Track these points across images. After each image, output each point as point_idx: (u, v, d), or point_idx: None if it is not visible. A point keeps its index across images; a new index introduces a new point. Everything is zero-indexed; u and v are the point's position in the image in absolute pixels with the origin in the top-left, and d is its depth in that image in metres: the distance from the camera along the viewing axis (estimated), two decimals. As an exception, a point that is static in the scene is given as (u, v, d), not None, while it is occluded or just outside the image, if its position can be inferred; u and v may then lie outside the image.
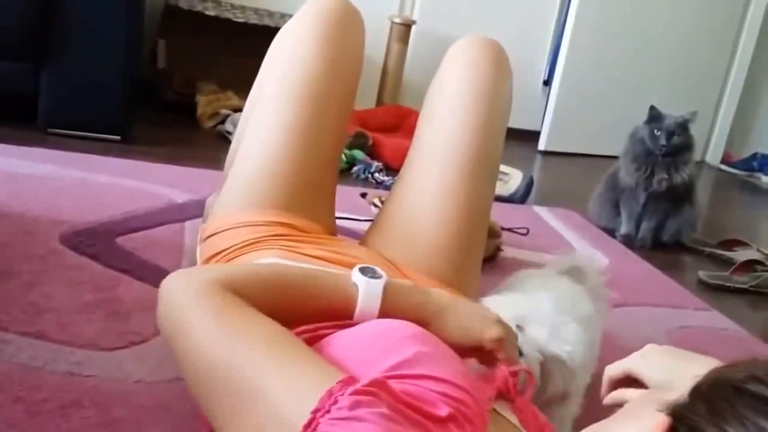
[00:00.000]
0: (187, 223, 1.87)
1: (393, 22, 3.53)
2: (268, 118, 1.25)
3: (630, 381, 0.84)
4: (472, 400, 0.67)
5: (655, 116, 2.51)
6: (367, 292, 0.82)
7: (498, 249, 2.07)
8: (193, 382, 0.74)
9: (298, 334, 0.80)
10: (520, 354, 0.93)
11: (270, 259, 1.07)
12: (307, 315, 0.82)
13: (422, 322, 0.83)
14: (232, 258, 1.11)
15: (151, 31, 3.17)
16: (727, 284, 2.24)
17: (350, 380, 0.64)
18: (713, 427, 0.53)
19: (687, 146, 2.52)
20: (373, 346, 0.74)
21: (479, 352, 0.86)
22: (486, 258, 2.03)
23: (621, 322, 1.80)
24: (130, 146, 2.51)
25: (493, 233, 2.04)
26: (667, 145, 2.47)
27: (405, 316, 0.83)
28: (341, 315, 0.82)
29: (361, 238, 1.39)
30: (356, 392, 0.62)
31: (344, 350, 0.76)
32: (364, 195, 2.32)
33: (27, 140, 2.31)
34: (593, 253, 2.32)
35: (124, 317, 1.36)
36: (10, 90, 2.47)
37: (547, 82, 4.08)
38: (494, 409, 0.75)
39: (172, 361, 0.79)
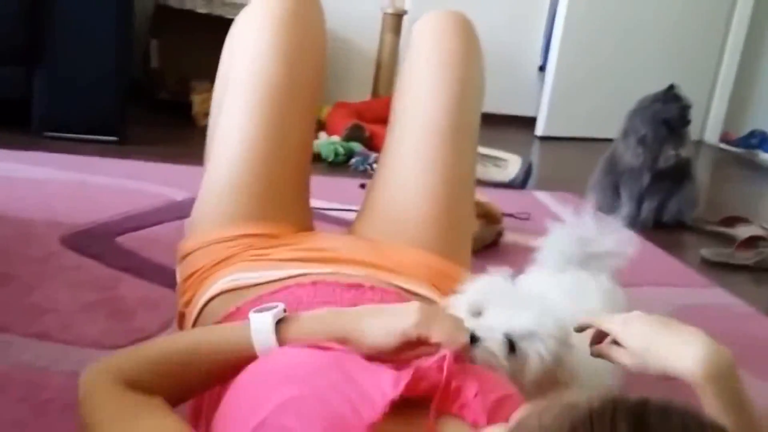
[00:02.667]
0: (187, 221, 1.86)
1: (385, 13, 3.51)
2: (230, 128, 1.22)
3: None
4: None
5: (675, 96, 2.51)
6: (257, 328, 0.77)
7: (499, 234, 2.07)
8: None
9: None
10: (475, 340, 0.87)
11: (236, 275, 1.06)
12: (216, 373, 0.79)
13: (338, 341, 0.78)
14: (206, 277, 1.10)
15: (142, 31, 3.17)
16: (731, 261, 2.23)
17: None
18: None
19: None
20: (246, 398, 0.70)
21: (415, 347, 0.79)
22: (488, 244, 2.03)
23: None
24: (126, 147, 2.50)
25: (494, 219, 2.03)
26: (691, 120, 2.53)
27: (315, 339, 0.78)
28: (248, 360, 0.77)
29: (350, 226, 1.38)
30: None
31: (228, 408, 0.73)
32: (363, 186, 2.32)
33: (22, 144, 2.31)
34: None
35: (127, 315, 1.35)
36: (3, 95, 2.46)
37: (543, 68, 4.07)
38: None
39: None
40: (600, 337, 0.92)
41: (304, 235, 1.21)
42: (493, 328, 0.91)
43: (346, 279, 1.01)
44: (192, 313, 1.07)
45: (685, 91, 2.55)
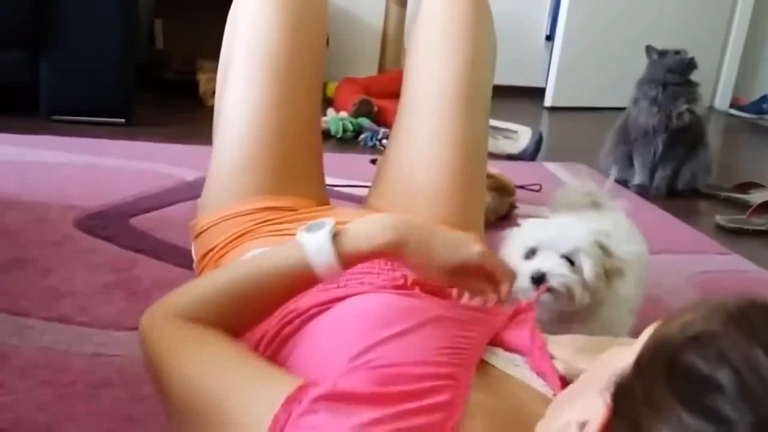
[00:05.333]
0: (198, 201, 1.85)
1: (390, -14, 3.48)
2: (237, 105, 1.21)
3: None
4: (456, 371, 0.64)
5: (662, 52, 2.58)
6: (313, 248, 0.76)
7: (512, 206, 2.06)
8: (170, 413, 0.73)
9: (259, 343, 0.79)
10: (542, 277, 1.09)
11: (258, 250, 1.05)
12: (275, 301, 0.78)
13: (398, 248, 0.78)
14: (224, 253, 1.10)
15: (146, 11, 3.14)
16: (745, 227, 2.21)
17: (298, 394, 0.61)
18: (650, 421, 0.44)
19: None
20: (345, 333, 0.70)
21: (466, 274, 0.82)
22: (501, 215, 2.02)
23: (641, 270, 1.78)
24: (134, 128, 2.49)
25: (507, 191, 2.02)
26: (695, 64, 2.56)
27: (372, 252, 0.78)
28: (307, 283, 0.78)
29: (364, 201, 1.37)
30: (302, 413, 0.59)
31: (318, 345, 0.73)
32: (374, 161, 2.31)
33: (31, 129, 2.30)
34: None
35: (144, 296, 1.35)
36: (10, 80, 2.46)
37: (550, 37, 4.03)
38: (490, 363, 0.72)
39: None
40: None
41: (321, 209, 1.20)
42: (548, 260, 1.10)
43: None
44: None
45: (695, 57, 2.54)
